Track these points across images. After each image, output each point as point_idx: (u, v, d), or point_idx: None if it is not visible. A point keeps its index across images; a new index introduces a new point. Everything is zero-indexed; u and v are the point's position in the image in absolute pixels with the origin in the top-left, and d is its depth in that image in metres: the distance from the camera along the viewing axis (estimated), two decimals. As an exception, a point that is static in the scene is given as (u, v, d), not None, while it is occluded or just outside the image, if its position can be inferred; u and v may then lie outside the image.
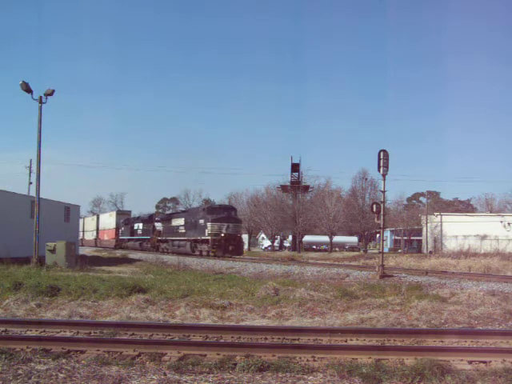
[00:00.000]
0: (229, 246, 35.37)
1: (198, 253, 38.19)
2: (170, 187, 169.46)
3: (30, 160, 54.83)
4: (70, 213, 38.36)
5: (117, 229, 62.56)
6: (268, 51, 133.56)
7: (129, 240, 57.73)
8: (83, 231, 78.21)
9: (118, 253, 48.47)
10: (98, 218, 74.05)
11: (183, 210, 51.05)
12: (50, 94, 24.82)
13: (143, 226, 53.03)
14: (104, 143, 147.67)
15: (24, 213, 29.31)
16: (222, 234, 35.16)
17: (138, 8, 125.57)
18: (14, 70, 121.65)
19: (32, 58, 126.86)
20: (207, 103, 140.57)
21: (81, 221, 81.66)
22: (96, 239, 72.07)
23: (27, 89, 24.42)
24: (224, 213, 36.99)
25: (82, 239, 76.92)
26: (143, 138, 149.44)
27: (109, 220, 67.08)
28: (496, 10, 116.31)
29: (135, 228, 55.86)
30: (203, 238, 36.69)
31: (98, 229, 72.12)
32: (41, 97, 24.73)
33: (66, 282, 15.65)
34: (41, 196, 25.66)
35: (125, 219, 61.14)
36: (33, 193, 32.29)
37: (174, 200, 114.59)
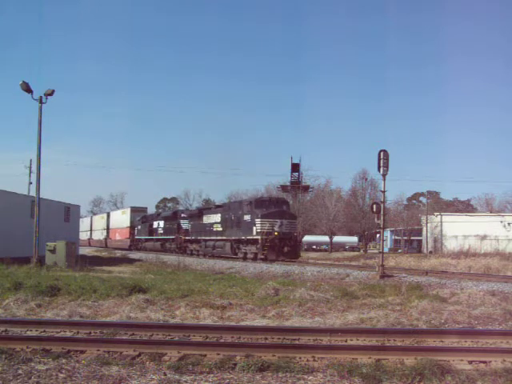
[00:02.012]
0: (283, 248, 29.35)
1: (240, 255, 32.22)
2: (169, 187, 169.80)
3: (30, 160, 54.48)
4: (70, 213, 38.39)
5: (131, 227, 56.19)
6: (268, 52, 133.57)
7: (146, 240, 51.58)
8: (91, 230, 74.46)
9: (118, 253, 48.35)
10: (108, 216, 67.75)
11: (217, 204, 43.30)
12: (50, 93, 24.84)
13: (165, 224, 46.78)
14: (104, 143, 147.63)
15: (24, 213, 29.32)
16: (276, 233, 29.13)
17: (140, 7, 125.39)
18: (15, 70, 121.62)
19: (33, 57, 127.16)
20: (207, 104, 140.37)
21: (88, 219, 79.31)
22: (106, 239, 66.21)
23: (27, 89, 24.44)
24: (276, 207, 30.94)
25: (89, 239, 73.82)
26: (145, 138, 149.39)
27: (122, 218, 60.60)
28: (495, 11, 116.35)
29: (155, 226, 49.53)
30: (249, 237, 30.59)
31: (108, 228, 66.15)
32: (41, 97, 24.74)
33: (66, 281, 15.64)
34: (41, 196, 25.68)
35: (141, 217, 54.62)
36: (33, 193, 32.31)
37: (175, 200, 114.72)
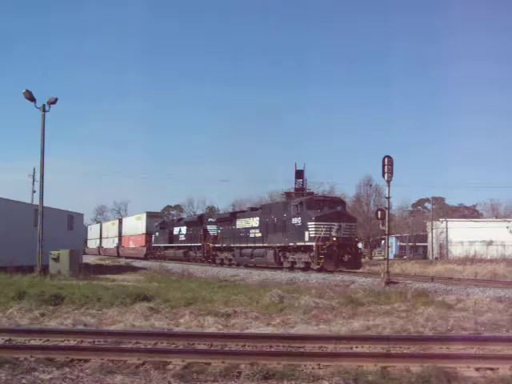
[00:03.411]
0: (343, 255, 25.26)
1: (287, 265, 28.08)
2: (172, 195, 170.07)
3: (34, 168, 54.53)
4: (73, 221, 38.43)
5: (148, 234, 51.57)
6: (273, 57, 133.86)
7: (166, 248, 47.07)
8: (100, 238, 71.02)
9: (122, 261, 48.17)
10: (120, 223, 63.34)
11: (253, 207, 38.29)
12: (54, 102, 24.91)
13: (188, 230, 42.33)
14: (107, 151, 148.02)
15: (27, 221, 29.36)
16: (334, 239, 24.85)
17: (144, 13, 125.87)
18: (18, 76, 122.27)
19: (36, 64, 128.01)
20: (210, 110, 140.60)
21: (97, 227, 76.60)
22: (118, 247, 61.36)
23: (30, 97, 24.53)
24: (330, 207, 26.88)
25: (98, 248, 70.49)
26: (147, 146, 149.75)
27: (136, 224, 55.92)
28: (498, 14, 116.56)
29: (175, 233, 45.12)
30: (299, 244, 26.53)
31: (120, 235, 61.55)
32: (44, 105, 24.81)
33: (70, 290, 15.62)
34: (44, 204, 25.74)
35: (160, 222, 50.55)
36: (36, 201, 32.37)
37: (178, 208, 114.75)
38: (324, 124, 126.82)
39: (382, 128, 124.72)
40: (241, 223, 33.66)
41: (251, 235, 31.62)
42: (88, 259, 47.76)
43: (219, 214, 46.86)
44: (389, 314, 12.00)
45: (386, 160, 20.11)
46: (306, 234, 25.79)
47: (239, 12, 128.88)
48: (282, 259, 28.49)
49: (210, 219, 40.98)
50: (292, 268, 27.41)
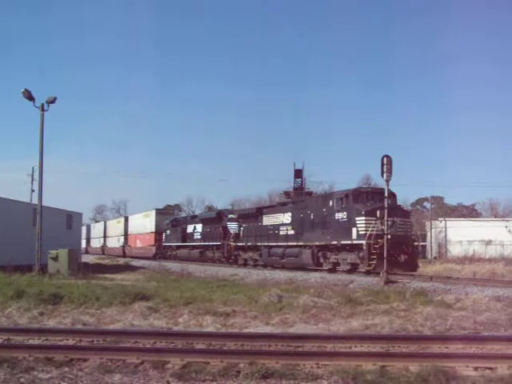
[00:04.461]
0: (399, 256, 21.97)
1: (328, 266, 24.76)
2: (171, 194, 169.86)
3: (33, 168, 54.17)
4: (72, 220, 38.42)
5: (157, 233, 48.26)
6: (273, 59, 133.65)
7: (178, 248, 43.67)
8: (104, 237, 68.18)
9: (121, 260, 48.09)
10: (126, 221, 59.85)
11: (281, 202, 33.99)
12: (52, 101, 24.87)
13: (205, 227, 39.01)
14: (106, 150, 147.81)
15: (26, 221, 29.35)
16: (389, 236, 20.75)
17: (144, 10, 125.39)
18: (17, 74, 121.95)
19: (33, 63, 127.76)
20: (210, 110, 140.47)
21: (100, 225, 74.56)
22: (124, 247, 58.29)
23: (29, 96, 24.51)
24: (380, 201, 22.51)
25: (102, 247, 68.03)
26: (146, 144, 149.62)
27: (144, 222, 52.70)
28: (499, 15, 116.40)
29: (189, 231, 41.77)
30: (345, 242, 23.22)
31: (126, 233, 58.54)
32: (43, 104, 24.79)
33: (69, 289, 15.61)
34: (43, 204, 25.72)
35: (171, 220, 47.00)
36: (35, 200, 32.34)
37: (177, 207, 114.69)
38: (323, 124, 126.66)
39: (380, 128, 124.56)
40: (268, 219, 30.42)
41: (282, 233, 28.57)
42: (87, 258, 47.65)
43: (241, 210, 42.45)
44: (388, 313, 12.01)
45: (385, 159, 20.11)
46: (354, 230, 22.62)
47: (240, 11, 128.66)
48: (321, 260, 25.33)
49: (230, 215, 37.09)
50: (334, 270, 24.37)
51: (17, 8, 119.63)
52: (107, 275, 25.28)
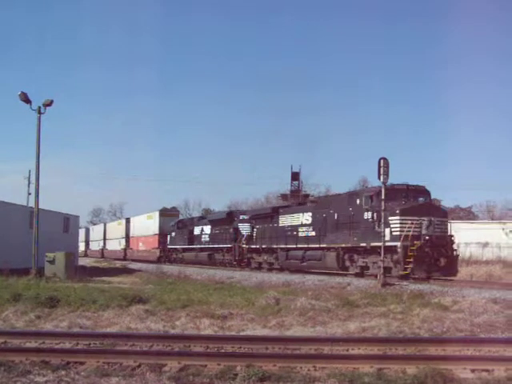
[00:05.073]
0: (438, 259, 20.04)
1: (355, 270, 22.75)
2: (168, 197, 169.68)
3: (29, 171, 53.87)
4: (69, 223, 38.31)
5: (162, 235, 46.22)
6: (273, 61, 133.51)
7: (185, 250, 41.51)
8: (104, 240, 66.57)
9: (118, 263, 47.96)
10: (127, 222, 58.13)
11: (299, 202, 32.37)
12: (49, 104, 24.86)
13: (214, 229, 36.86)
14: (104, 153, 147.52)
15: (23, 223, 29.24)
16: (427, 237, 19.63)
17: (144, 7, 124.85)
18: (16, 73, 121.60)
19: (31, 63, 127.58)
20: (210, 112, 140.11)
21: (100, 227, 73.08)
22: (125, 249, 56.26)
23: (26, 99, 24.48)
24: (414, 198, 21.58)
25: (102, 250, 66.48)
26: (142, 147, 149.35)
27: (147, 223, 50.66)
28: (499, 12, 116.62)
29: (197, 233, 39.53)
30: (375, 244, 20.72)
31: (128, 236, 56.70)
32: (39, 107, 24.76)
33: (66, 292, 15.59)
34: (40, 207, 25.65)
35: (177, 221, 44.85)
36: (32, 203, 32.26)
37: (174, 210, 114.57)
38: (322, 125, 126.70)
39: (379, 129, 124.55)
40: (285, 220, 28.32)
41: (301, 234, 26.47)
42: (84, 261, 47.52)
43: (254, 210, 39.97)
44: (385, 315, 12.02)
45: (382, 162, 20.11)
46: (388, 231, 20.41)
47: (242, 11, 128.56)
48: (347, 263, 23.21)
49: (242, 216, 34.65)
50: (361, 274, 22.45)
51: (15, 4, 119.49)
52: (104, 278, 25.26)
